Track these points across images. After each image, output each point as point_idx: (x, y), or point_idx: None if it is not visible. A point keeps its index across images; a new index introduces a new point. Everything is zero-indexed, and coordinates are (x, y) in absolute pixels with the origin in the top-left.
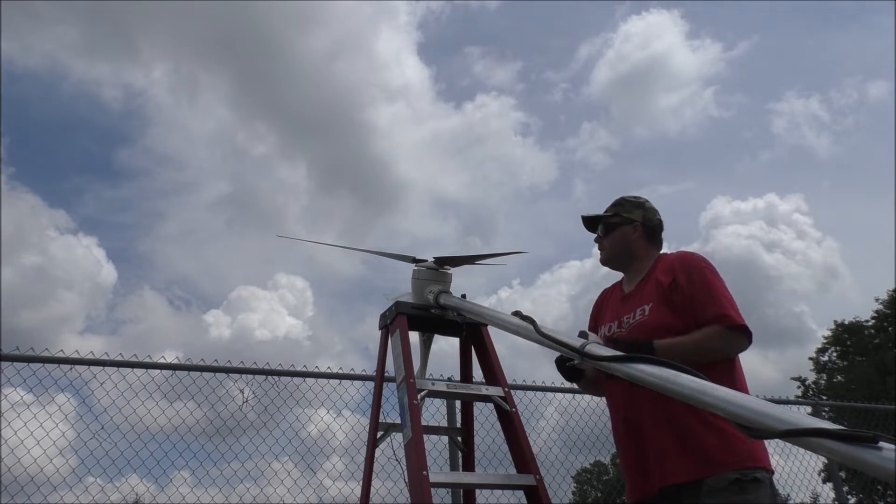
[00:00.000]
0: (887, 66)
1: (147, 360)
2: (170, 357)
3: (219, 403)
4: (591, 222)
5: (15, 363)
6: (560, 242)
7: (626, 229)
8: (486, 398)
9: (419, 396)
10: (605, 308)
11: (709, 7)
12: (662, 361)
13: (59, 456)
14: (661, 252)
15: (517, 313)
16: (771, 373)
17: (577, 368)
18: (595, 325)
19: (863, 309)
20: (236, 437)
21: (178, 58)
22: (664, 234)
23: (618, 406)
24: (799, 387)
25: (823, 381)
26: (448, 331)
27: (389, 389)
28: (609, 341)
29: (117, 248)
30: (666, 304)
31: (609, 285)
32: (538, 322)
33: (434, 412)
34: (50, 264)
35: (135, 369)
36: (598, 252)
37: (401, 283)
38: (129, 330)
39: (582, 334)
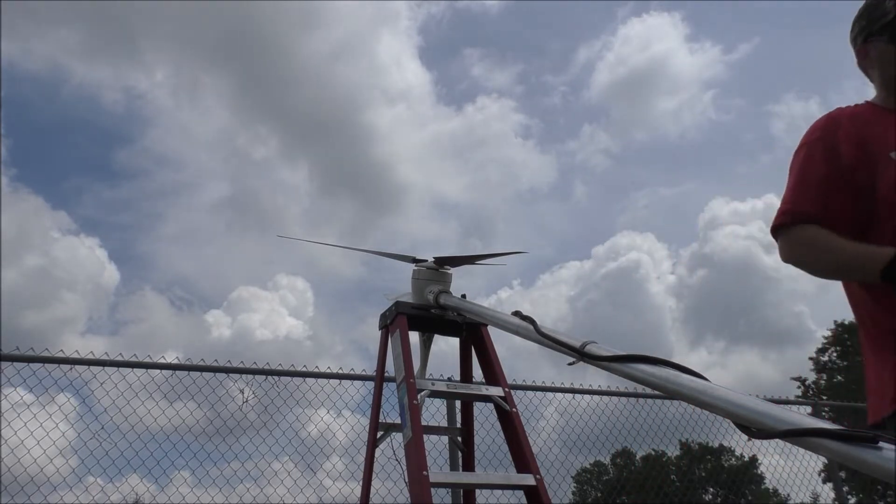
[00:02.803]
0: None
1: (147, 360)
2: (170, 357)
3: (219, 403)
4: None
5: (15, 363)
6: (559, 243)
7: None
8: (486, 398)
9: (419, 396)
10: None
11: (709, 9)
12: (662, 361)
13: (59, 456)
14: None
15: (517, 313)
16: (771, 373)
17: None
18: (857, 154)
19: None
20: (236, 437)
21: (180, 60)
22: (664, 232)
23: None
24: (799, 387)
25: (823, 381)
26: (448, 331)
27: (389, 389)
28: None
29: (118, 249)
30: None
31: (834, 110)
32: (538, 322)
33: (434, 412)
34: (52, 265)
35: (135, 369)
36: None
37: (401, 284)
38: (130, 330)
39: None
